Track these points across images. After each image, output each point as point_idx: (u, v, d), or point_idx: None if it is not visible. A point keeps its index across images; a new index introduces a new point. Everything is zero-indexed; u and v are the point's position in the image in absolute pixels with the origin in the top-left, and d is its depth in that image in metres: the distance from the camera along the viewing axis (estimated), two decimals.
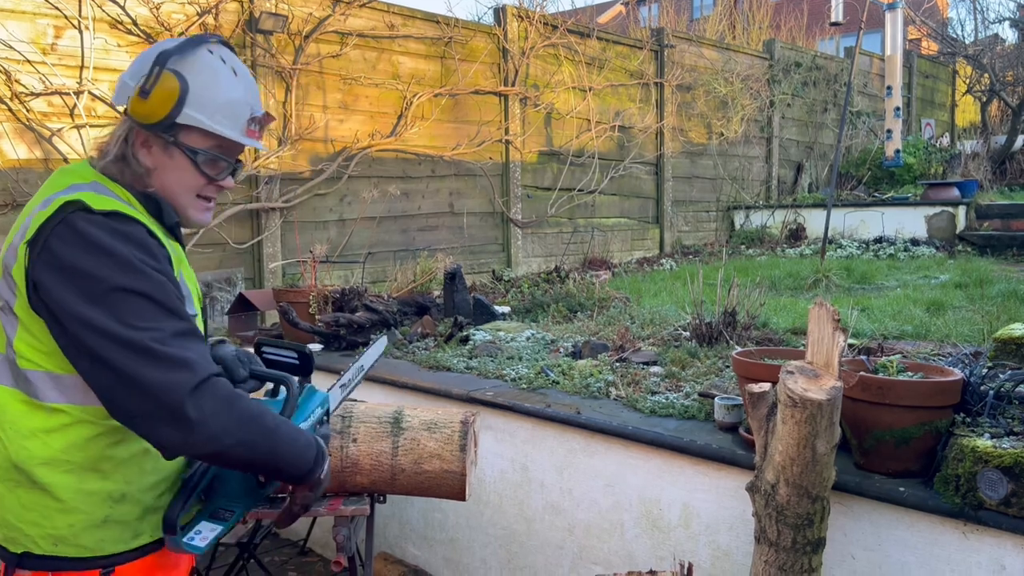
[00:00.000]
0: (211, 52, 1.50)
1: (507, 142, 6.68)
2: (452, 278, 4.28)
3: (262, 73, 4.98)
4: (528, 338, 3.97)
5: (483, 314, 4.33)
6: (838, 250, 7.74)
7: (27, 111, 4.09)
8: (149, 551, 1.50)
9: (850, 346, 3.17)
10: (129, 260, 1.34)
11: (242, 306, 4.43)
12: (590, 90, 7.42)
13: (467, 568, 3.32)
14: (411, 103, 5.85)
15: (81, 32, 4.27)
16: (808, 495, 2.01)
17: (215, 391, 1.33)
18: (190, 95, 1.45)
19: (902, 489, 2.09)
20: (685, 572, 2.19)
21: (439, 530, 3.43)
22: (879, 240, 8.14)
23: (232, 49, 1.58)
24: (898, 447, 2.12)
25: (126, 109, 1.48)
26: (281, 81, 5.17)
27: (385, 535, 3.68)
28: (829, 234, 7.17)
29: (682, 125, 8.65)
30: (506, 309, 4.68)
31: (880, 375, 2.20)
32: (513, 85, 6.66)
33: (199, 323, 1.58)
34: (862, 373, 2.16)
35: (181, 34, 4.61)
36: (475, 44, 6.41)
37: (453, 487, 2.33)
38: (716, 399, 2.67)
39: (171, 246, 1.50)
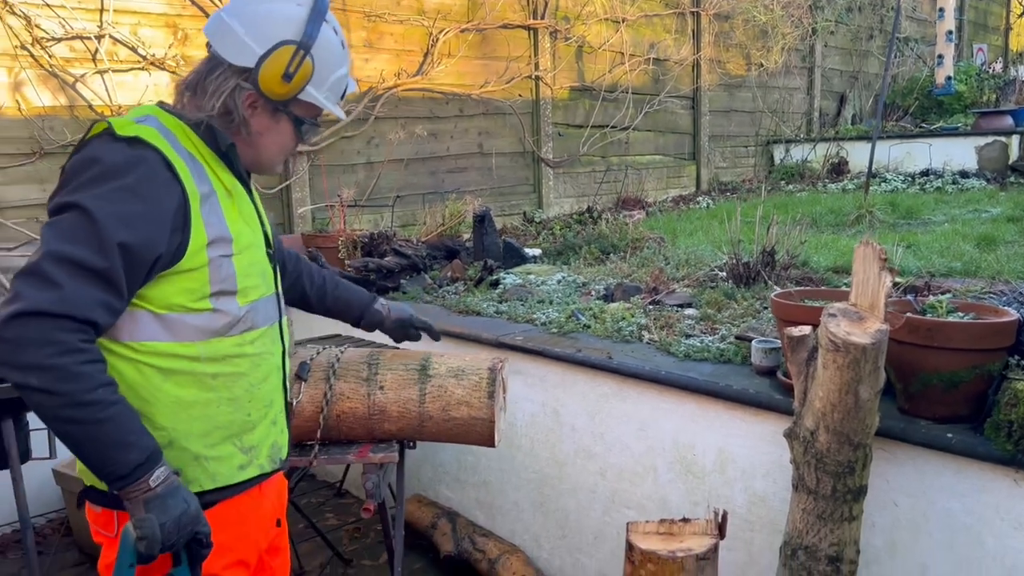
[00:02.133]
0: (328, 23, 1.53)
1: (537, 78, 6.49)
2: (481, 221, 4.20)
3: None
4: (559, 281, 3.89)
5: (513, 257, 4.25)
6: (882, 184, 7.47)
7: (49, 57, 4.03)
8: (207, 503, 1.51)
9: (895, 285, 3.04)
10: (102, 176, 1.33)
11: None
12: (623, 21, 7.15)
13: (500, 510, 3.32)
14: (437, 40, 5.68)
15: None
16: (849, 442, 1.93)
17: (52, 331, 1.25)
18: (315, 75, 1.51)
19: (950, 435, 1.99)
20: (719, 519, 2.14)
21: (471, 473, 3.43)
22: (926, 173, 7.82)
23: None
24: (946, 391, 2.02)
25: (228, 64, 1.48)
26: None
27: (419, 478, 3.69)
28: (873, 168, 6.90)
29: (719, 56, 8.33)
30: (537, 251, 4.60)
31: (929, 316, 2.09)
32: (543, 18, 6.43)
33: (257, 259, 1.57)
34: (909, 314, 2.05)
35: None
36: None
37: (482, 434, 2.29)
38: (753, 342, 2.57)
39: (216, 179, 1.50)
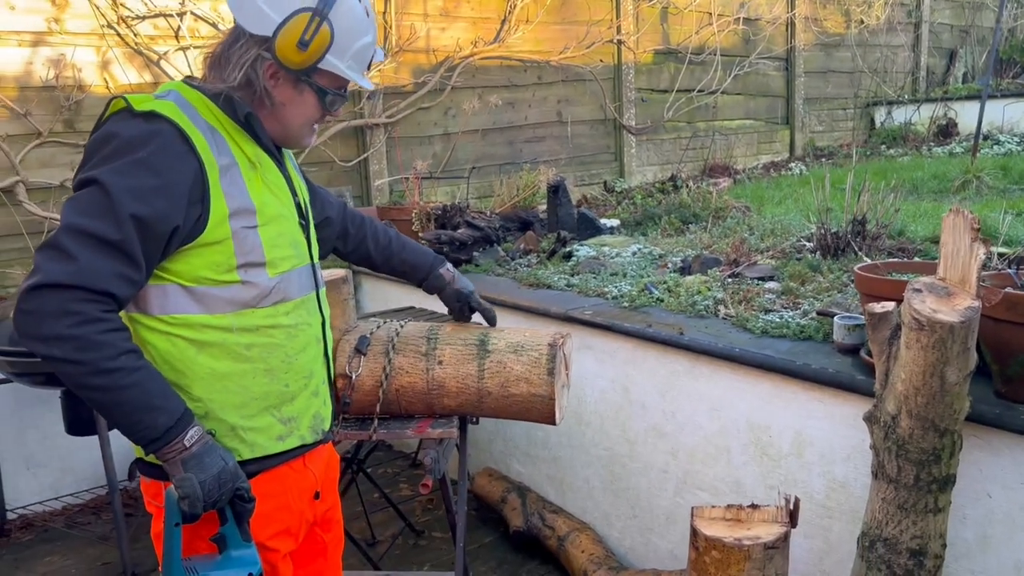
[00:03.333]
0: None
1: (619, 42, 6.28)
2: (555, 191, 4.10)
3: None
4: (634, 253, 3.76)
5: (588, 228, 4.15)
6: (994, 147, 6.93)
7: (134, 35, 4.15)
8: (248, 473, 1.51)
9: (1000, 255, 2.79)
10: (118, 151, 1.34)
11: None
12: None
13: (570, 486, 3.27)
14: (515, 5, 5.55)
15: None
16: (935, 428, 1.77)
17: (69, 302, 1.28)
18: (334, 44, 1.48)
19: None
20: (791, 507, 2.02)
21: (542, 448, 3.38)
22: None
23: None
24: None
25: (249, 34, 1.47)
26: None
27: (490, 451, 3.68)
28: (986, 129, 6.40)
29: (816, 14, 7.87)
30: (614, 222, 4.47)
31: None
32: None
33: (286, 229, 1.55)
34: (1008, 289, 1.85)
35: None
36: None
37: (542, 411, 2.23)
38: (836, 318, 2.41)
39: (239, 150, 1.49)
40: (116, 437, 3.10)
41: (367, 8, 1.55)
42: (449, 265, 2.21)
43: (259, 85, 1.49)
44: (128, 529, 3.17)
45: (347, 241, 2.04)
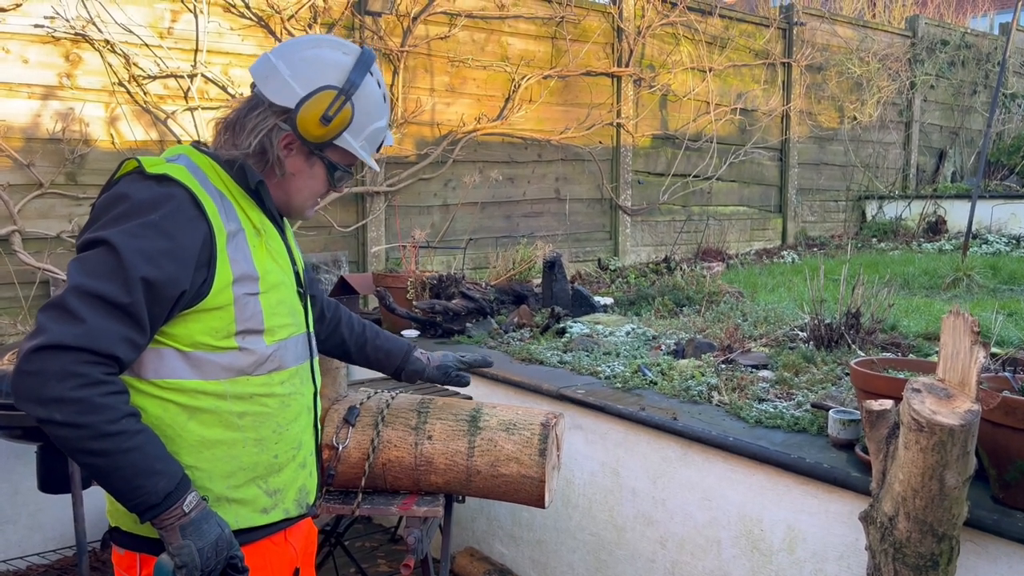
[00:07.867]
0: (372, 75, 1.54)
1: (618, 125, 6.42)
2: (551, 267, 4.12)
3: None
4: (628, 333, 3.75)
5: (582, 305, 4.15)
6: (983, 246, 7.05)
7: (144, 94, 4.21)
8: None
9: (993, 356, 2.79)
10: (129, 212, 1.34)
11: (343, 289, 4.43)
12: (710, 71, 7.04)
13: (554, 572, 3.18)
14: (519, 85, 5.70)
15: (196, 16, 4.35)
16: (933, 533, 1.74)
17: (73, 364, 1.24)
18: (353, 123, 1.52)
19: None
20: None
21: (527, 530, 3.30)
22: None
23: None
24: None
25: (268, 103, 1.49)
26: (389, 64, 5.13)
27: (472, 530, 3.58)
28: (974, 228, 6.52)
29: (811, 108, 8.10)
30: (608, 300, 4.47)
31: None
32: (627, 66, 6.39)
33: (285, 297, 1.54)
34: (1006, 393, 1.85)
35: (291, 16, 4.63)
36: (588, 24, 6.18)
37: (531, 493, 2.18)
38: (831, 412, 2.39)
39: (245, 217, 1.49)
40: (89, 496, 3.01)
41: (384, 94, 1.59)
42: (420, 349, 2.14)
43: (272, 154, 1.50)
44: None
45: (322, 325, 1.96)
